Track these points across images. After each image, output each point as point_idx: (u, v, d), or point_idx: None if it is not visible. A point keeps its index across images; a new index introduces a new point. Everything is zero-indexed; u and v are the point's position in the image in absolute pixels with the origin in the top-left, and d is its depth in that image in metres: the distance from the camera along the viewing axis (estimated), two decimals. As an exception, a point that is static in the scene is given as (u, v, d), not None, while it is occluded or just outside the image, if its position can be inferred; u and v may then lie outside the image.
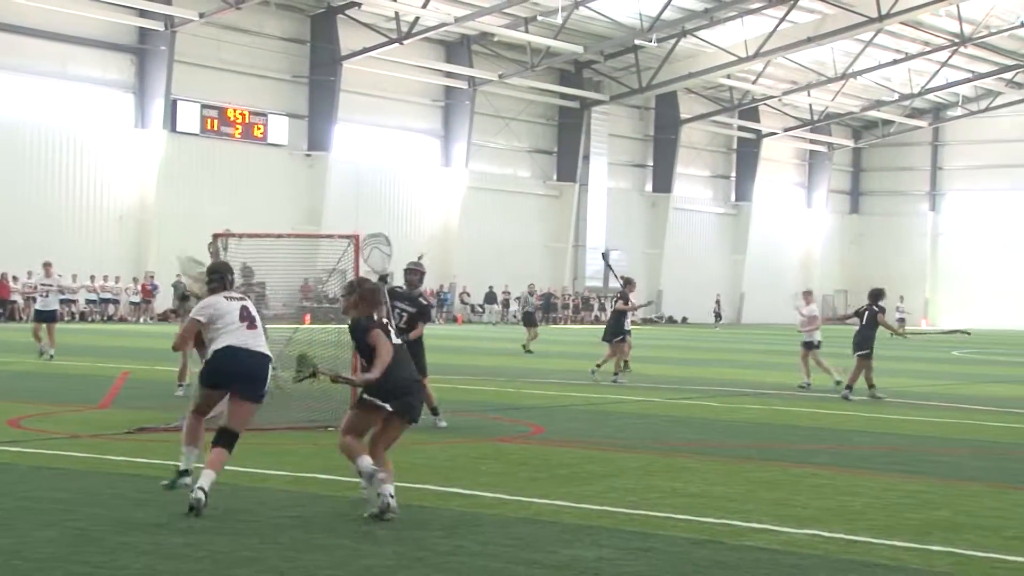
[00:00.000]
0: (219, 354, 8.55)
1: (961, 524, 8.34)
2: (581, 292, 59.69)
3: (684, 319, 63.28)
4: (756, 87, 60.94)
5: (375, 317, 8.34)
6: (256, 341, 8.77)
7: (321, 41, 49.40)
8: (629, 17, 50.63)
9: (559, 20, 48.63)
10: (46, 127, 42.87)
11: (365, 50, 49.17)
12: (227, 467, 10.13)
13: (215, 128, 46.79)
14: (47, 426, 12.60)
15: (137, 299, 44.22)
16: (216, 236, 13.87)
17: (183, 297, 12.97)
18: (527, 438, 12.84)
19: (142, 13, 43.83)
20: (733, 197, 68.93)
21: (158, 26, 43.97)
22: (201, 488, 8.02)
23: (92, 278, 43.58)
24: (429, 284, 54.56)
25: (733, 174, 69.04)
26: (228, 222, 44.70)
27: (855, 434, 13.89)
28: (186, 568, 6.64)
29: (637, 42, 52.19)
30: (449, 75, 53.82)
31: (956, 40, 56.02)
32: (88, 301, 43.67)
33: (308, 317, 19.29)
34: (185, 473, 8.60)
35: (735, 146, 68.71)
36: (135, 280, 44.27)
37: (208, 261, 11.36)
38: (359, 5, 47.60)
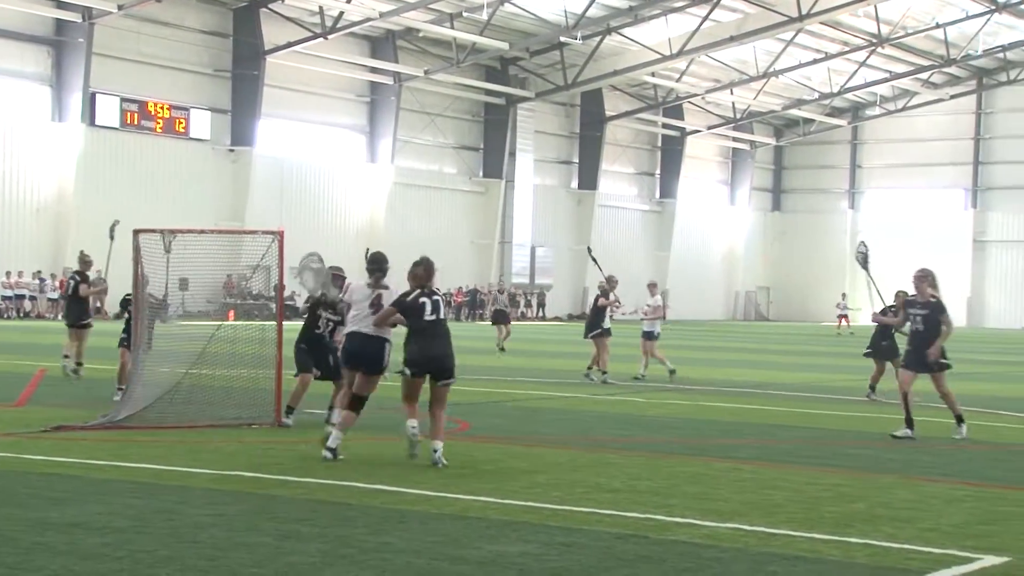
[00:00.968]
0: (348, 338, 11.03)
1: (878, 516, 8.50)
2: (508, 289, 59.74)
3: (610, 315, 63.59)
4: (680, 85, 61.49)
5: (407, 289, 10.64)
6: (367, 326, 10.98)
7: (244, 35, 48.88)
8: (554, 14, 50.80)
9: (485, 16, 48.63)
10: (-40, 120, 41.96)
11: (289, 44, 48.74)
12: (147, 466, 10.01)
13: (136, 122, 46.09)
14: (-39, 425, 12.34)
15: (55, 295, 43.41)
16: (137, 232, 13.68)
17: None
18: (453, 434, 12.83)
19: (59, 4, 43.03)
20: (658, 194, 69.50)
21: (76, 18, 43.18)
22: (330, 448, 10.32)
23: (8, 274, 42.72)
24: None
25: (658, 171, 69.60)
26: (149, 217, 44.11)
27: (777, 428, 14.09)
28: (104, 568, 6.53)
29: (562, 39, 52.37)
30: (374, 71, 53.57)
31: (874, 40, 57.02)
32: (4, 298, 42.79)
33: (232, 313, 19.10)
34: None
35: (659, 143, 69.27)
36: (52, 276, 43.46)
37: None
38: (283, -1, 47.23)
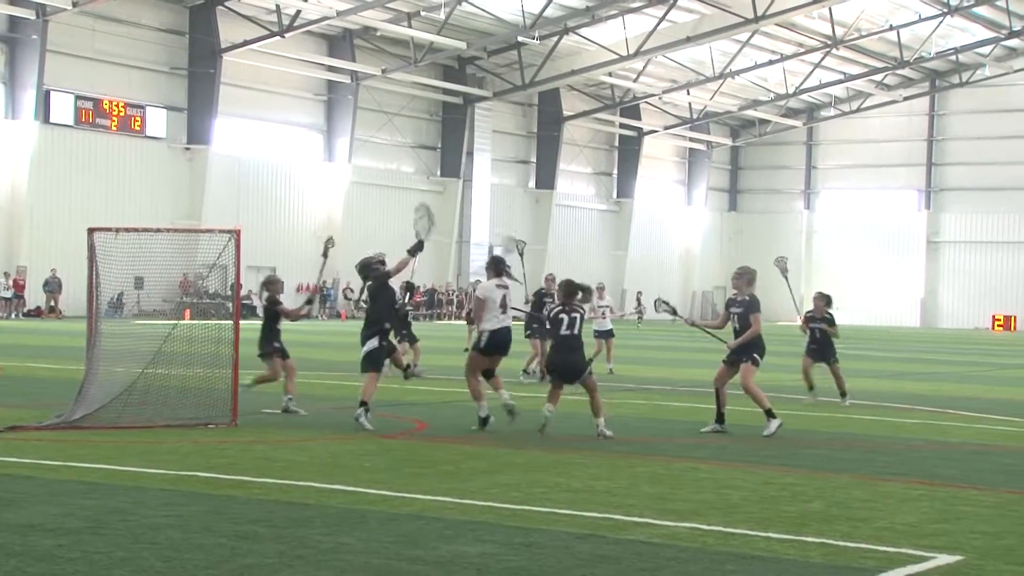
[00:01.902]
0: (495, 332, 13.11)
1: (834, 516, 8.57)
2: (465, 288, 59.76)
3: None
4: (637, 85, 61.73)
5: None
6: (508, 320, 13.27)
7: (200, 33, 48.54)
8: (512, 14, 50.84)
9: (442, 16, 48.59)
10: (-90, 116, 41.36)
11: (246, 43, 48.47)
12: (102, 466, 9.92)
13: (91, 120, 45.65)
14: (-88, 427, 12.15)
15: (8, 294, 42.90)
16: (91, 231, 13.54)
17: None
18: (411, 435, 12.82)
19: (12, 1, 42.51)
20: (615, 194, 69.74)
21: (29, 14, 42.69)
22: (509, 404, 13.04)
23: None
24: (311, 279, 54.01)
25: (615, 171, 69.84)
26: (104, 216, 43.76)
27: (734, 428, 14.17)
28: (59, 570, 6.47)
29: (520, 39, 52.43)
30: (332, 69, 53.37)
31: (828, 42, 57.53)
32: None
33: (188, 312, 18.96)
34: (485, 420, 13.00)
35: (617, 143, 69.51)
36: (6, 275, 42.94)
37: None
38: (239, -3, 46.94)
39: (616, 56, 54.55)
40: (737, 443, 12.75)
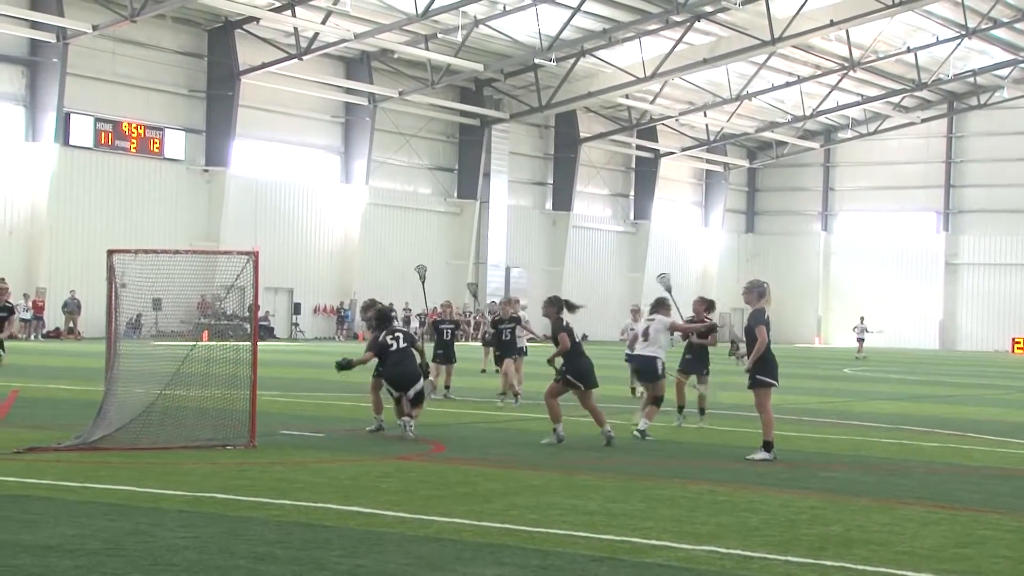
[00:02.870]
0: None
1: (853, 539, 8.52)
2: (483, 309, 59.75)
3: (584, 336, 63.62)
4: (654, 107, 61.80)
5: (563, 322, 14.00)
6: (647, 349, 15.37)
7: (219, 55, 48.84)
8: (529, 36, 51.00)
9: (459, 38, 48.78)
10: (-68, 139, 41.69)
11: (264, 65, 48.74)
12: (121, 487, 9.94)
13: (110, 142, 45.93)
14: (-69, 447, 12.20)
15: (28, 315, 43.10)
16: (110, 252, 13.61)
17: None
18: (428, 456, 12.81)
19: (34, 25, 42.86)
20: (632, 215, 69.72)
21: (50, 38, 43.03)
22: (640, 430, 14.54)
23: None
24: (328, 300, 54.22)
25: (632, 193, 69.83)
26: (123, 237, 44.06)
27: (751, 451, 14.10)
28: (78, 592, 6.48)
29: (537, 61, 52.58)
30: (349, 91, 53.60)
31: (846, 64, 57.51)
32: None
33: (206, 333, 19.01)
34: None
35: (634, 165, 69.53)
36: (25, 296, 43.15)
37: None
38: (257, 20, 47.17)
39: (633, 78, 54.64)
40: (755, 466, 12.68)
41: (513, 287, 61.03)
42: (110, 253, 13.53)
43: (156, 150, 47.38)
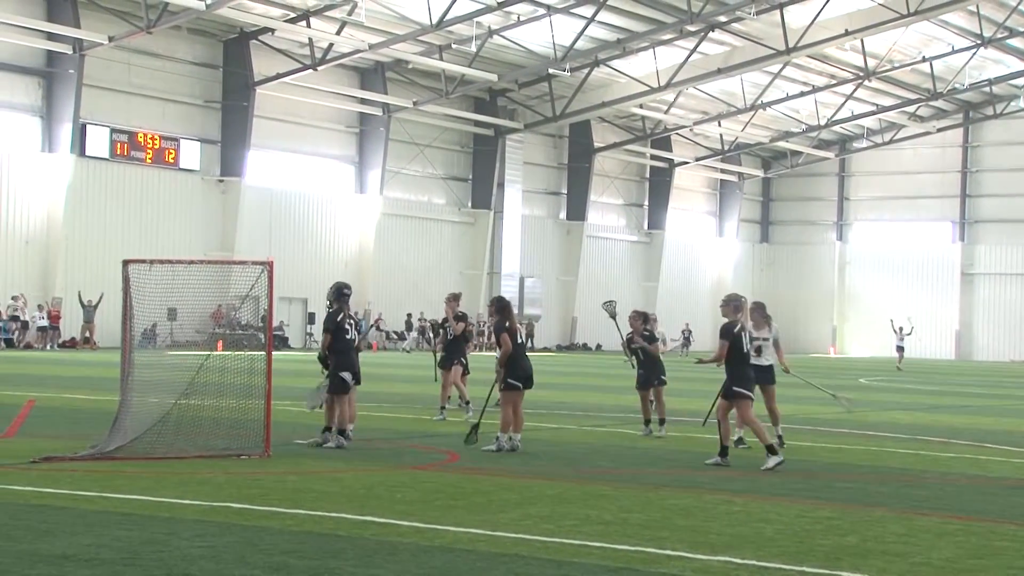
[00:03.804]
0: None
1: (869, 550, 8.49)
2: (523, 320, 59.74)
3: (598, 346, 63.65)
4: (668, 117, 61.76)
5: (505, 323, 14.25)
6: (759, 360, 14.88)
7: (234, 66, 49.01)
8: (543, 46, 51.05)
9: (473, 48, 48.86)
10: (-51, 150, 41.88)
11: (279, 76, 48.89)
12: (136, 497, 9.96)
13: (126, 153, 46.11)
14: (-52, 456, 12.26)
15: (44, 324, 43.23)
16: (126, 262, 13.66)
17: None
18: (443, 466, 12.81)
19: (50, 36, 43.08)
20: (646, 225, 69.66)
21: (66, 49, 43.25)
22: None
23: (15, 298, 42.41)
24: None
25: (646, 202, 69.78)
26: (139, 247, 44.28)
27: (763, 462, 14.05)
28: (94, 602, 6.49)
29: (551, 71, 52.61)
30: (364, 102, 53.72)
31: (861, 74, 57.39)
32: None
33: (221, 343, 19.06)
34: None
35: (648, 175, 69.49)
36: (40, 307, 43.29)
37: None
38: (272, 31, 47.33)
39: (647, 88, 54.64)
40: (770, 476, 12.65)
41: (527, 297, 61.08)
42: (125, 263, 13.59)
43: (171, 160, 47.54)
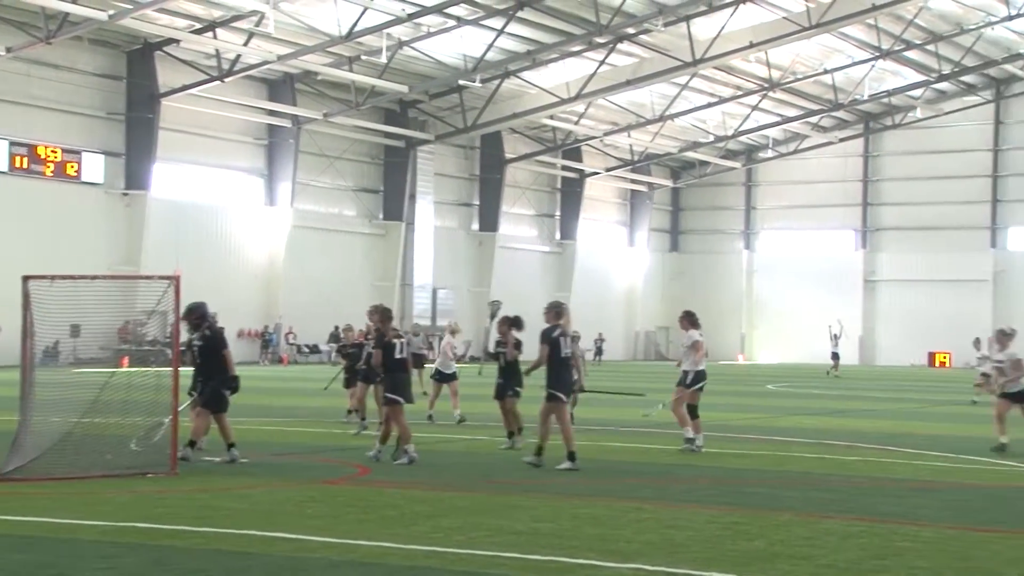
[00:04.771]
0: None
1: (776, 553, 8.60)
2: (421, 331, 59.55)
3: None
4: (578, 128, 62.18)
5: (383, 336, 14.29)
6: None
7: (138, 77, 48.21)
8: (453, 58, 51.09)
9: (383, 60, 48.66)
10: None
11: (185, 87, 48.21)
12: (34, 519, 9.71)
13: (25, 166, 45.06)
14: None
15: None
16: (26, 278, 13.35)
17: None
18: (354, 479, 12.72)
19: (-54, 46, 42.03)
20: (558, 235, 70.00)
21: (-37, 60, 42.23)
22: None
23: None
24: (252, 324, 53.63)
25: (558, 213, 70.13)
26: (41, 264, 43.23)
27: (678, 468, 14.20)
28: (-8, 627, 6.32)
29: (461, 82, 52.66)
30: (272, 113, 53.23)
31: (765, 85, 58.39)
32: None
33: (126, 360, 18.70)
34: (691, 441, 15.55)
35: (559, 185, 69.86)
36: (-61, 324, 42.12)
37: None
38: (178, 42, 46.67)
39: (557, 99, 54.96)
40: (681, 483, 12.77)
41: (440, 309, 60.96)
42: (25, 279, 13.28)
43: (73, 174, 46.57)
